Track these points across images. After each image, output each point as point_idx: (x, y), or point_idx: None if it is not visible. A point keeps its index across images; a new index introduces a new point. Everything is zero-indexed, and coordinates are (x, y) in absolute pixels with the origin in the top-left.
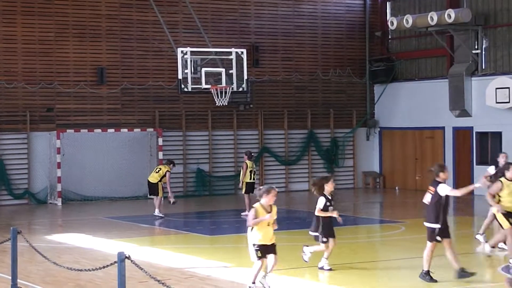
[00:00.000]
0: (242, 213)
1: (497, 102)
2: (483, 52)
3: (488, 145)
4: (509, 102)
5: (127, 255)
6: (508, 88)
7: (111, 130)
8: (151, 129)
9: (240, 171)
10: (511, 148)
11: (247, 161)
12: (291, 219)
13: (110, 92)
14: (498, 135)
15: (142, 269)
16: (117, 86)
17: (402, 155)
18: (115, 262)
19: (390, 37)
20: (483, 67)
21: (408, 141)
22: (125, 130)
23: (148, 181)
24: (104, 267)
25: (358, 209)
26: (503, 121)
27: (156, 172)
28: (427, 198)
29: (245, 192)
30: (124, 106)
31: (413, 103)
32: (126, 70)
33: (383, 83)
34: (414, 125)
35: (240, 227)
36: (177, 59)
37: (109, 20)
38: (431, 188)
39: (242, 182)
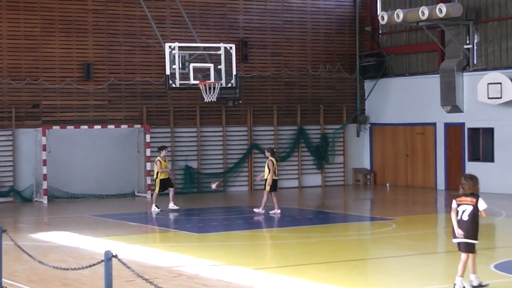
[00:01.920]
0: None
1: (489, 98)
2: (475, 47)
3: (479, 141)
4: (501, 97)
5: (114, 254)
6: (500, 83)
7: (97, 127)
8: (139, 126)
9: (265, 169)
10: (502, 145)
11: (272, 158)
12: (281, 216)
13: (96, 88)
14: (490, 131)
15: (129, 267)
16: (104, 82)
17: (393, 151)
18: (102, 260)
19: (380, 32)
20: (475, 62)
21: (399, 137)
22: (112, 126)
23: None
24: (90, 266)
25: (348, 206)
26: (495, 117)
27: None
28: (468, 212)
29: (270, 190)
30: (111, 103)
31: (404, 99)
32: (113, 65)
33: (373, 78)
34: (405, 121)
35: (230, 224)
36: (164, 54)
37: (95, 15)
38: (471, 199)
39: (267, 180)
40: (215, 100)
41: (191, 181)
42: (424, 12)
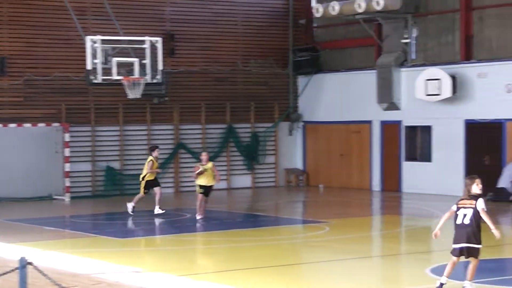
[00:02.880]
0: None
1: (427, 95)
2: (413, 42)
3: (417, 139)
4: (439, 94)
5: (29, 261)
6: (439, 79)
7: (12, 125)
8: (57, 124)
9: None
10: (440, 144)
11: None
12: (208, 219)
13: (11, 84)
14: (427, 129)
15: (45, 275)
16: (19, 78)
17: (327, 151)
18: (16, 268)
19: (315, 25)
20: (413, 58)
21: (334, 136)
22: (29, 125)
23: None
24: (3, 274)
25: (280, 209)
26: (433, 114)
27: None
28: (469, 216)
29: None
30: (27, 99)
31: (339, 96)
32: (29, 60)
33: (307, 74)
34: (340, 119)
35: (153, 229)
36: (85, 48)
37: (11, 5)
38: (471, 202)
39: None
40: (139, 96)
41: (113, 183)
42: (360, 5)
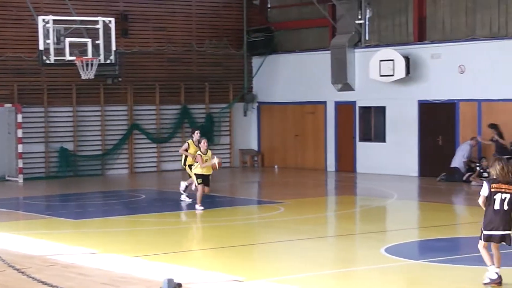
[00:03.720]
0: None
1: (381, 75)
2: (367, 23)
3: (371, 120)
4: (393, 75)
5: None
6: (393, 60)
7: None
8: (9, 105)
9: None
10: (394, 124)
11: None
12: (163, 200)
13: None
14: (381, 110)
15: None
16: None
17: (282, 131)
18: None
19: (269, 5)
20: (367, 39)
21: (288, 117)
22: None
23: None
24: None
25: (235, 190)
26: (387, 95)
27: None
28: (507, 200)
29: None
30: None
31: (294, 77)
32: None
33: (261, 55)
34: (295, 100)
35: (108, 210)
36: (38, 28)
37: None
38: (509, 187)
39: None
40: (92, 77)
41: (66, 165)
42: None
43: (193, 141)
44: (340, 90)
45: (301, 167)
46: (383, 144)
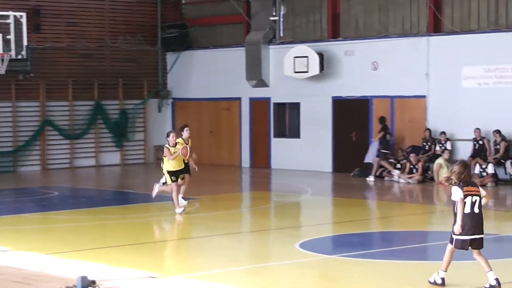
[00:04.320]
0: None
1: (295, 72)
2: (281, 19)
3: (286, 116)
4: (307, 72)
5: None
6: (307, 57)
7: None
8: None
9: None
10: (308, 120)
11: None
12: (76, 197)
13: None
14: (296, 106)
15: None
16: None
17: (197, 128)
18: None
19: (183, 1)
20: (281, 35)
21: (203, 113)
22: None
23: None
24: None
25: (149, 186)
26: (302, 91)
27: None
28: (478, 203)
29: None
30: None
31: (208, 73)
32: None
33: (176, 51)
34: (209, 96)
35: (19, 207)
36: None
37: None
38: (476, 189)
39: None
40: (3, 73)
41: None
42: None
43: (183, 139)
44: (255, 86)
45: (216, 163)
46: (297, 140)
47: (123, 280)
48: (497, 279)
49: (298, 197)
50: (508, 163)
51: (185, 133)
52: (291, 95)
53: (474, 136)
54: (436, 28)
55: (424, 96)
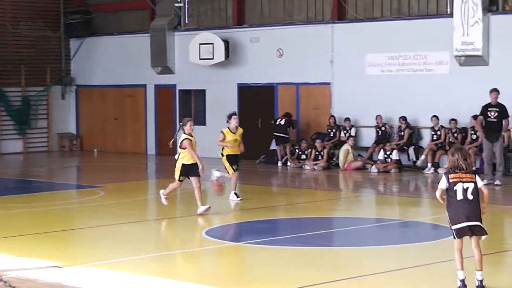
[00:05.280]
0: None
1: (200, 59)
2: (186, 6)
3: (191, 103)
4: (213, 58)
5: None
6: (212, 44)
7: None
8: None
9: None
10: (214, 107)
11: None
12: None
13: None
14: (202, 93)
15: None
16: None
17: (101, 115)
18: None
19: None
20: (186, 22)
21: (108, 100)
22: None
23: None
24: None
25: (53, 174)
26: (207, 78)
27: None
28: (471, 189)
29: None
30: None
31: (113, 60)
32: None
33: (80, 37)
34: (114, 83)
35: None
36: None
37: None
38: (471, 176)
39: None
40: None
41: None
42: None
43: (229, 129)
44: (160, 73)
45: (121, 151)
46: (203, 127)
47: (26, 271)
48: (481, 281)
49: (204, 184)
50: (411, 149)
51: (233, 122)
52: (197, 82)
53: (376, 123)
54: (340, 15)
55: (328, 83)
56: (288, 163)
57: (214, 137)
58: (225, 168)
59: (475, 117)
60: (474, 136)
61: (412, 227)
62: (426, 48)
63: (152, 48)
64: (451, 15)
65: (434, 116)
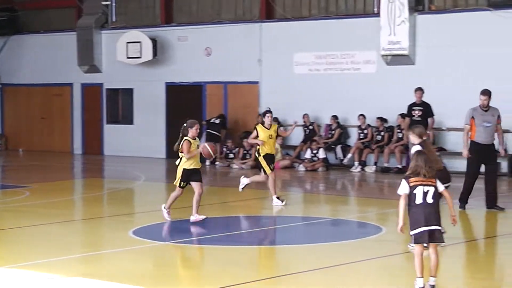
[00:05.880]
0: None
1: (128, 58)
2: (114, 4)
3: (119, 102)
4: (140, 57)
5: None
6: (140, 42)
7: None
8: None
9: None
10: (141, 106)
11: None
12: None
13: None
14: (129, 92)
15: None
16: None
17: (27, 114)
18: None
19: None
20: (114, 20)
21: (34, 99)
22: None
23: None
24: None
25: None
26: (135, 77)
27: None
28: (431, 193)
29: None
30: None
31: (39, 58)
32: None
33: (5, 35)
34: (40, 82)
35: None
36: None
37: None
38: (432, 180)
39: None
40: None
41: None
42: None
43: (263, 125)
44: (87, 72)
45: (47, 150)
46: (131, 126)
47: None
48: (433, 286)
49: (132, 184)
50: (338, 148)
51: (267, 120)
52: (124, 81)
53: (303, 122)
54: (268, 14)
55: (257, 82)
56: (216, 162)
57: (142, 136)
58: (262, 168)
59: (403, 115)
60: (400, 135)
61: (339, 225)
62: (354, 47)
63: (79, 47)
64: (378, 14)
65: (361, 115)
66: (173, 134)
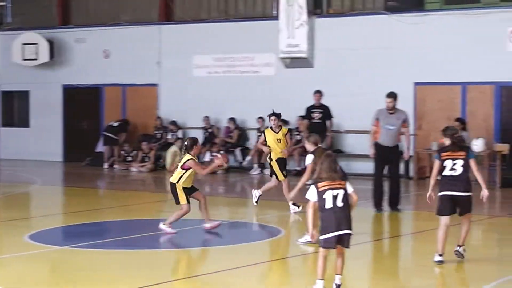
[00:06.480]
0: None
1: (24, 59)
2: (9, 5)
3: (14, 105)
4: (37, 59)
5: None
6: (36, 44)
7: None
8: None
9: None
10: (38, 109)
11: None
12: None
13: None
14: (25, 95)
15: None
16: None
17: None
18: None
19: None
20: (9, 21)
21: None
22: None
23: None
24: None
25: None
26: (31, 79)
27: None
28: (341, 196)
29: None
30: None
31: None
32: None
33: None
34: None
35: None
36: None
37: None
38: (341, 182)
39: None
40: None
41: None
42: None
43: (271, 128)
44: None
45: None
46: (27, 129)
47: None
48: (338, 285)
49: (27, 187)
50: (237, 150)
51: (271, 123)
52: (20, 83)
53: (203, 124)
54: (167, 16)
55: (156, 85)
56: (115, 166)
57: (38, 139)
58: (275, 173)
59: (302, 117)
60: (298, 137)
61: (239, 227)
62: (253, 50)
63: None
64: (277, 17)
65: (260, 117)
66: (71, 138)
